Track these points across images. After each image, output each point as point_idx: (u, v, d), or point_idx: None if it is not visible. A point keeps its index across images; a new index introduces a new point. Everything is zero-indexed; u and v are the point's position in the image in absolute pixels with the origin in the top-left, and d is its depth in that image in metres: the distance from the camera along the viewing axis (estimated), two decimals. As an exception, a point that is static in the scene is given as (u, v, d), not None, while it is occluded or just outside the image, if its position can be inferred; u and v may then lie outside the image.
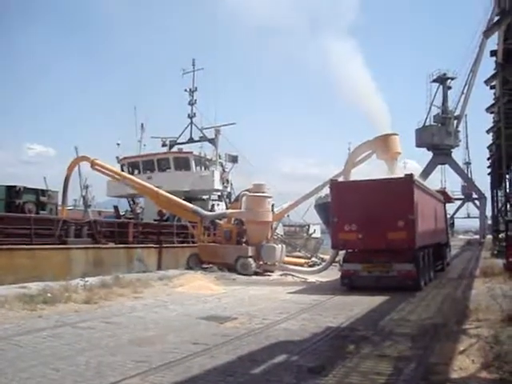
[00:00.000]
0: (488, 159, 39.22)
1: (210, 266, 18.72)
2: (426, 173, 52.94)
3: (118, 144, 29.21)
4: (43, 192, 18.68)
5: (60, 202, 20.72)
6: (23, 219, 15.66)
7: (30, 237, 15.09)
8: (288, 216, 26.59)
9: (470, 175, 69.55)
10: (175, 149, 30.61)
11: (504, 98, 19.31)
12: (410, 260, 13.38)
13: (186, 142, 30.85)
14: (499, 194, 37.93)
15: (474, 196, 65.46)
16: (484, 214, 59.14)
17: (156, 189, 21.22)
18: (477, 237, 59.63)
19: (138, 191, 22.69)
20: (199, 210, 20.88)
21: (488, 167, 40.77)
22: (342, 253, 15.66)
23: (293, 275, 18.55)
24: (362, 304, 11.14)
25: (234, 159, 28.93)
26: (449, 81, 60.38)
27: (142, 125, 30.80)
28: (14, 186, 17.55)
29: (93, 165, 21.38)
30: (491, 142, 33.20)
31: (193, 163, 27.61)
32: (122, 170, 26.58)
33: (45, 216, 17.56)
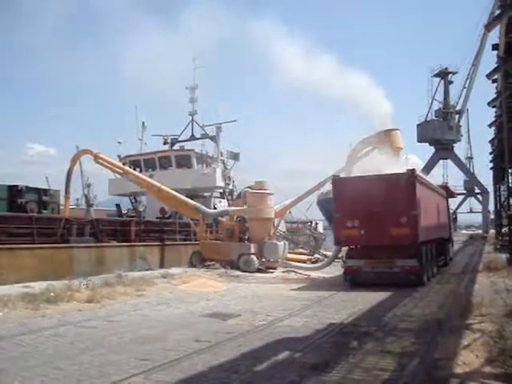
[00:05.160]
0: (490, 153, 39.07)
1: (213, 263, 18.70)
2: (428, 168, 52.85)
3: (120, 142, 29.11)
4: (45, 191, 18.74)
5: (62, 196, 20.80)
6: (25, 218, 15.69)
7: (32, 236, 15.12)
8: (290, 213, 26.47)
9: (472, 170, 69.16)
10: (177, 147, 30.61)
11: (506, 91, 19.14)
12: (412, 255, 13.35)
13: (188, 140, 30.81)
14: (502, 188, 37.74)
15: (477, 191, 65.16)
16: (487, 209, 58.93)
17: (158, 184, 21.20)
18: (479, 231, 59.43)
19: (140, 186, 22.66)
20: (201, 207, 20.85)
21: (490, 161, 40.61)
22: (344, 249, 15.64)
23: (296, 272, 18.56)
24: (364, 300, 11.13)
25: (235, 156, 28.91)
26: (450, 75, 60.21)
27: (143, 123, 30.81)
28: (16, 186, 17.59)
29: (96, 158, 21.35)
30: (493, 136, 33.05)
31: (194, 161, 27.61)
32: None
33: (47, 215, 17.58)
